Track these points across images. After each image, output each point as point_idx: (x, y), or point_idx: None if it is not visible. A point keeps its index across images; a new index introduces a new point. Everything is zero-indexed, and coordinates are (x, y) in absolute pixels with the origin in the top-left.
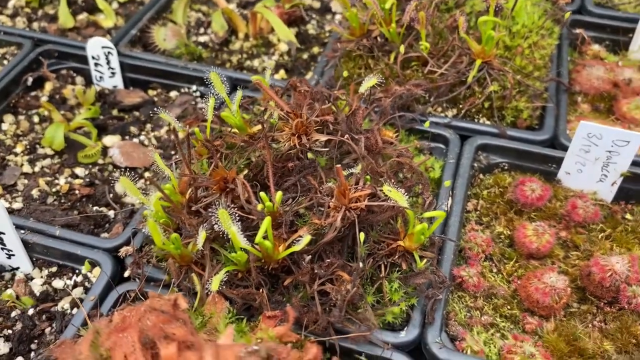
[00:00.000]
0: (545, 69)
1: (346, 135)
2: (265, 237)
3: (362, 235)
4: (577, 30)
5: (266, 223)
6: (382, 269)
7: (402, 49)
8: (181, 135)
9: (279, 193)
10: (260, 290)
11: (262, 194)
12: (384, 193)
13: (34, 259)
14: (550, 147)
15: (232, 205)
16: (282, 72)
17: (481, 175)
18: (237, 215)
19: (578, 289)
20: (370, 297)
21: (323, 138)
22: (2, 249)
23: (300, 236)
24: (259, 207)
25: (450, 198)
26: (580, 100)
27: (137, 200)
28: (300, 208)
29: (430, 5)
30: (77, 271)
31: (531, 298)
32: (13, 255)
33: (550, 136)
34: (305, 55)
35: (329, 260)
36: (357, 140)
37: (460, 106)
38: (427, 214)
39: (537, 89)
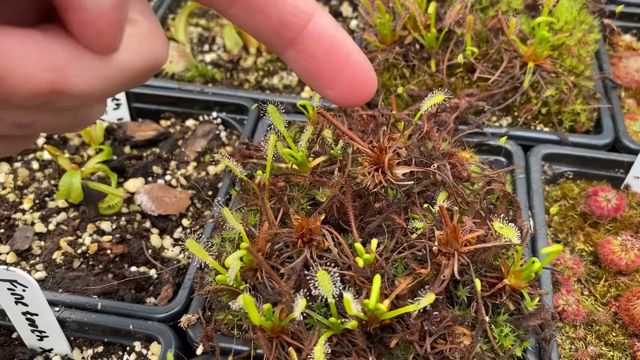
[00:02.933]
0: (591, 66)
1: (434, 165)
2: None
3: (478, 283)
4: (606, 21)
5: (377, 283)
6: (484, 311)
7: (460, 58)
8: (236, 176)
9: (374, 241)
10: (367, 357)
11: (357, 245)
12: (492, 229)
13: (71, 338)
14: (612, 150)
15: (322, 261)
16: (307, 89)
17: (547, 187)
18: (334, 273)
19: None
20: (481, 345)
21: (407, 170)
22: (33, 331)
23: (415, 296)
24: (359, 261)
25: (530, 218)
26: (623, 96)
27: (182, 255)
28: (398, 257)
29: (468, 7)
30: (127, 348)
31: (637, 322)
32: (46, 336)
33: (612, 139)
34: None
35: (437, 313)
36: (442, 169)
37: (515, 114)
38: (545, 250)
39: (590, 89)
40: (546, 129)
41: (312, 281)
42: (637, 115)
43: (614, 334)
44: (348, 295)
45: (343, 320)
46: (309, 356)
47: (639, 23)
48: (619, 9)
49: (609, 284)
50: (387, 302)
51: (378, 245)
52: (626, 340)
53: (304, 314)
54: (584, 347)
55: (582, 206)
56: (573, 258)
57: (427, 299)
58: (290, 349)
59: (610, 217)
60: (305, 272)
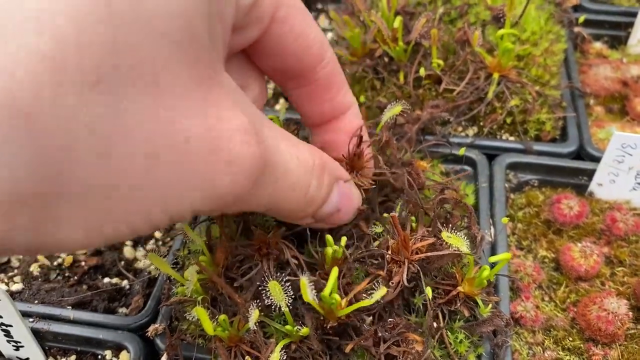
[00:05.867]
0: (558, 75)
1: (388, 175)
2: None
3: (428, 290)
4: (576, 29)
5: (334, 274)
6: (441, 318)
7: (422, 71)
8: None
9: (344, 239)
10: None
11: (328, 236)
12: (443, 239)
13: (46, 347)
14: (577, 157)
15: (279, 273)
16: (282, 101)
17: (512, 195)
18: (287, 282)
19: (632, 308)
20: (436, 351)
21: (375, 171)
22: (9, 341)
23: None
24: (328, 250)
25: (492, 226)
26: (592, 103)
27: (153, 266)
28: (359, 263)
29: (437, 19)
30: (99, 357)
31: (593, 327)
32: (22, 346)
33: (577, 147)
34: None
35: (391, 319)
36: (398, 177)
37: (481, 124)
38: (493, 258)
39: (556, 98)
40: (512, 138)
41: (265, 291)
42: (604, 122)
43: (571, 339)
44: (304, 279)
45: (298, 327)
46: None
47: (609, 31)
48: (582, 19)
49: (569, 289)
50: (344, 300)
51: (347, 247)
52: (582, 345)
53: (265, 323)
54: (542, 351)
55: (545, 213)
56: (533, 265)
57: (379, 292)
58: (247, 357)
59: (573, 224)
60: (258, 283)
